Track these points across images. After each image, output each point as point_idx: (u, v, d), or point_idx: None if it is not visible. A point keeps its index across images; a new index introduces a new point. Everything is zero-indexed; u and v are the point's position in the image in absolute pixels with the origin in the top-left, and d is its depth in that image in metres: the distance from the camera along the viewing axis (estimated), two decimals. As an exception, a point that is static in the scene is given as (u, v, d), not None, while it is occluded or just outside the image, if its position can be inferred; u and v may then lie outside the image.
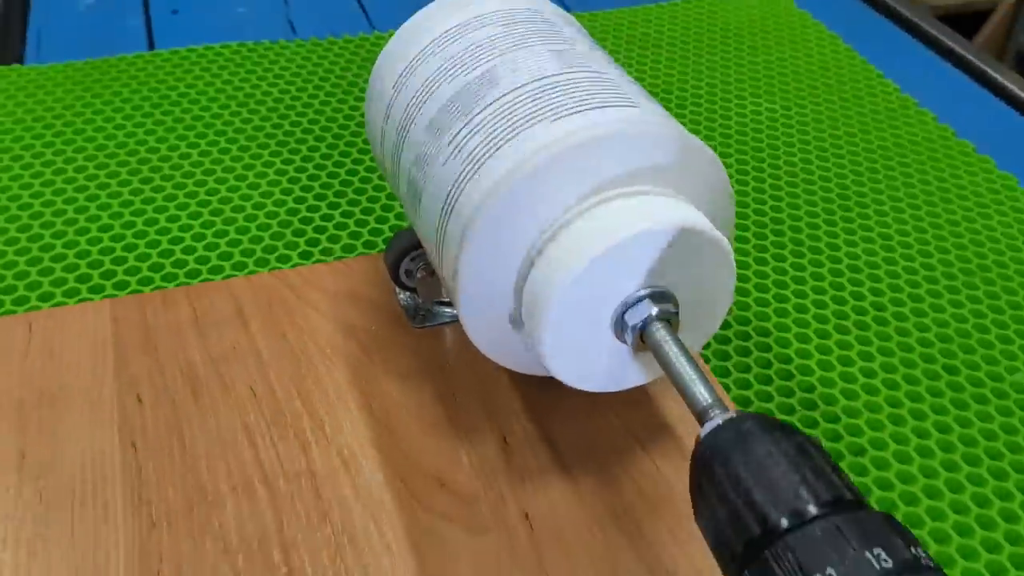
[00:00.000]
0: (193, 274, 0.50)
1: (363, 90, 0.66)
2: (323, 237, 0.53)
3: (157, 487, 0.37)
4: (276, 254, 0.51)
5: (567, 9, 0.76)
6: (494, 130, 0.34)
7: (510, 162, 0.33)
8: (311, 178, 0.57)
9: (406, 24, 0.41)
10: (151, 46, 0.71)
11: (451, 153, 0.35)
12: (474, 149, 0.34)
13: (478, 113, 0.35)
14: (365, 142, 0.61)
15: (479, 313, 0.35)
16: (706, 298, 0.34)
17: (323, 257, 0.51)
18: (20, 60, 0.69)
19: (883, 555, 0.22)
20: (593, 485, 0.38)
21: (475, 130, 0.35)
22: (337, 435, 0.40)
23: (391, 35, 0.71)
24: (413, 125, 0.38)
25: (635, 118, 0.34)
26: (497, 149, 0.34)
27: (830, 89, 0.69)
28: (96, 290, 0.48)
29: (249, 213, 0.54)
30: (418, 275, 0.45)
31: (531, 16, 0.40)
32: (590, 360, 0.34)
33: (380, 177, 0.58)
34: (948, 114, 0.67)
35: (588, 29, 0.60)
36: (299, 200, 0.55)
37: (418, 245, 0.44)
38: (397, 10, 0.77)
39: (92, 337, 0.43)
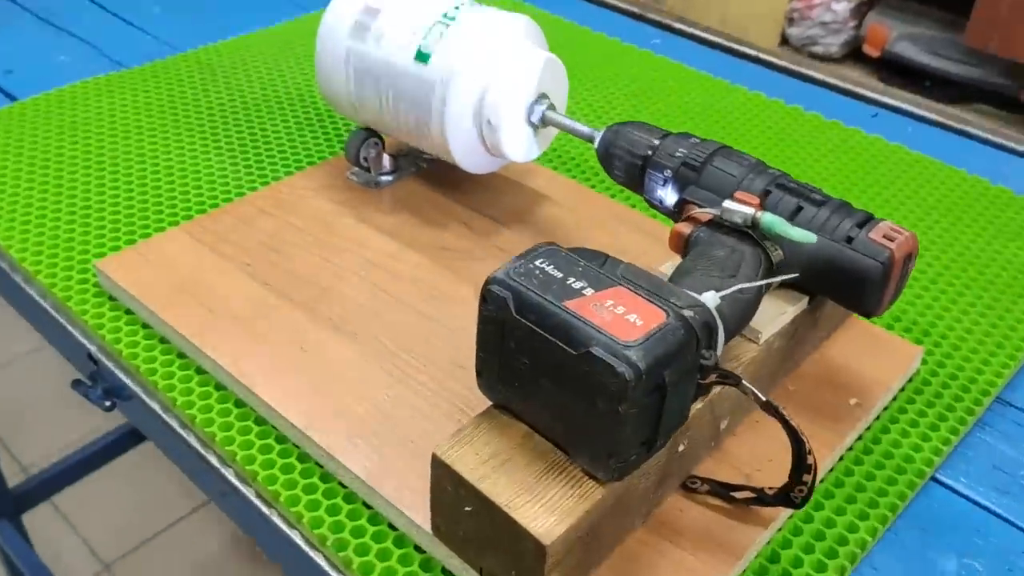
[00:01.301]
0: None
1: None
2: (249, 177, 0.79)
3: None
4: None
5: (304, 8, 1.05)
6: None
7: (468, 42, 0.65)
8: (221, 148, 0.83)
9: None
10: (11, 99, 0.90)
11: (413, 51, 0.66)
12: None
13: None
14: (248, 118, 0.86)
15: (457, 138, 0.66)
16: (559, 91, 0.69)
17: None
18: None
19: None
20: (526, 228, 0.71)
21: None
22: (367, 244, 0.68)
23: (202, 50, 0.96)
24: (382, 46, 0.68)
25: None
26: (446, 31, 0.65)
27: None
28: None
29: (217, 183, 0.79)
30: (371, 155, 0.74)
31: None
32: (519, 142, 0.67)
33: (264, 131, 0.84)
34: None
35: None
36: (221, 162, 0.81)
37: (368, 137, 0.73)
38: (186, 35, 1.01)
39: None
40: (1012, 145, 0.91)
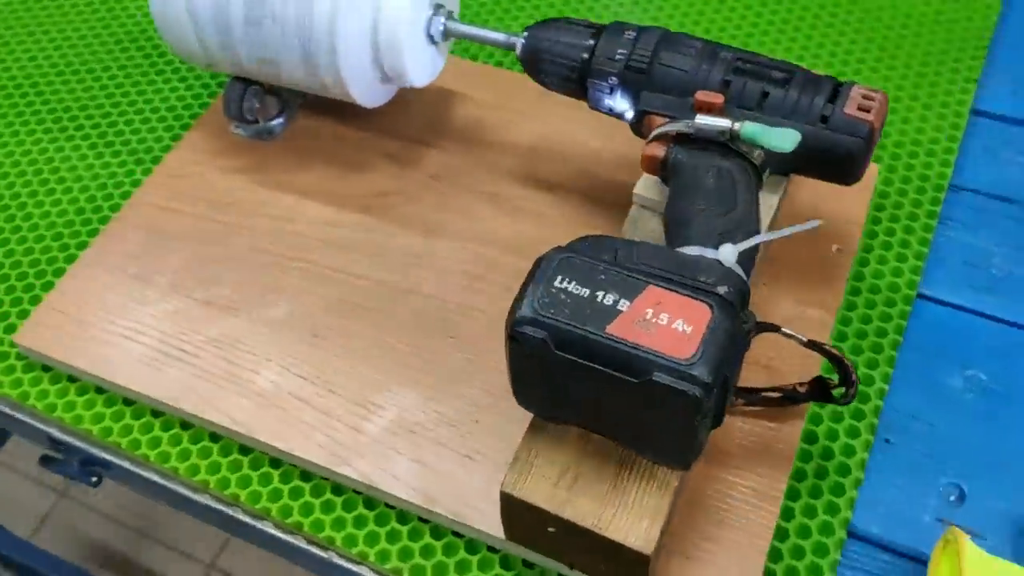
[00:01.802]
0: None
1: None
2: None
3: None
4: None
5: None
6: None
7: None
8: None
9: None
10: None
11: None
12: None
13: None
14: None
15: (352, 69, 0.58)
16: (451, -1, 0.61)
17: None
18: None
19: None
20: (454, 145, 0.66)
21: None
22: (296, 216, 0.63)
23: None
24: None
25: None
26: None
27: None
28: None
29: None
30: (255, 105, 0.65)
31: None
32: (422, 64, 0.60)
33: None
34: None
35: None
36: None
37: (248, 86, 0.64)
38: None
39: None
40: None
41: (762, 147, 0.49)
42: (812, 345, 0.45)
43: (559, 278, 0.42)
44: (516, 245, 0.61)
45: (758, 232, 0.47)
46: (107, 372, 0.57)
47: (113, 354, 0.57)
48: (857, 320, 0.58)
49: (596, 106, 0.56)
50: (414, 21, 0.58)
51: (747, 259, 0.46)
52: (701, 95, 0.51)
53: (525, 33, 0.57)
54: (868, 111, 0.50)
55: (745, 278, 0.44)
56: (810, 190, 0.61)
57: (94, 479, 0.59)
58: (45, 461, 0.61)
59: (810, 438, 0.53)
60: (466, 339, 0.57)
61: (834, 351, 0.45)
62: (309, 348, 0.57)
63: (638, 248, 0.44)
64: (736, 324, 0.41)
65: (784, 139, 0.47)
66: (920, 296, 0.60)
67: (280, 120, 0.68)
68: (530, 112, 0.67)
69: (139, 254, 0.62)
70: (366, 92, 0.61)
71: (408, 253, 0.61)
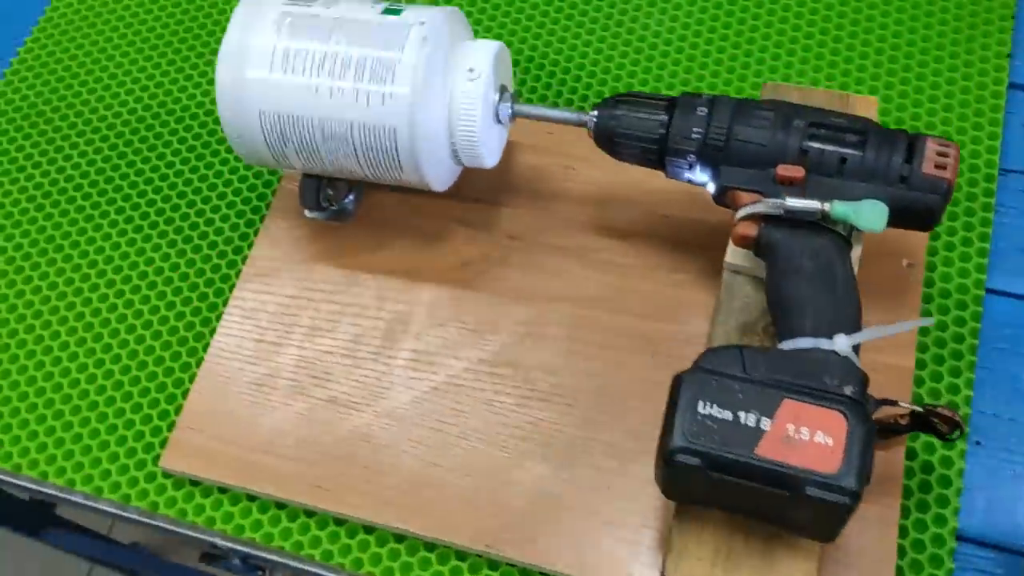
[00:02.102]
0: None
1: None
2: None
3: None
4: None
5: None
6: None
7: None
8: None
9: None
10: None
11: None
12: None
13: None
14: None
15: (432, 166, 0.61)
16: (508, 74, 0.62)
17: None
18: None
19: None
20: (523, 201, 0.68)
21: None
22: (385, 300, 0.66)
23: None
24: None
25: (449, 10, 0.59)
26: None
27: None
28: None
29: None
30: (330, 192, 0.68)
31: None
32: (494, 147, 0.62)
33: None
34: None
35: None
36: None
37: (320, 182, 0.66)
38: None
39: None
40: None
41: (853, 226, 0.52)
42: (929, 413, 0.50)
43: (701, 403, 0.47)
44: (609, 300, 0.64)
45: (860, 307, 0.51)
46: (255, 483, 0.61)
47: (255, 461, 0.62)
48: (934, 328, 0.62)
49: (675, 178, 0.58)
50: (485, 115, 0.60)
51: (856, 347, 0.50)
52: (782, 170, 0.54)
53: (595, 112, 0.59)
54: (944, 168, 0.53)
55: (859, 366, 0.49)
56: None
57: (259, 573, 0.65)
58: (207, 558, 0.67)
59: (910, 454, 0.59)
60: (582, 407, 0.61)
61: (949, 413, 0.50)
62: (436, 434, 0.62)
63: (762, 356, 0.48)
64: (868, 422, 0.46)
65: (875, 219, 0.51)
66: (989, 291, 0.64)
67: (351, 198, 0.70)
68: (589, 158, 0.69)
69: (253, 359, 0.65)
70: (443, 180, 0.63)
71: (509, 323, 0.64)
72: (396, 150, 0.59)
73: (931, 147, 0.53)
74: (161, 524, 0.64)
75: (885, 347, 0.54)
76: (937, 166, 0.53)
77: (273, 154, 0.62)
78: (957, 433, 0.52)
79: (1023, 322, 0.63)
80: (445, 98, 0.59)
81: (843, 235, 0.53)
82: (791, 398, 0.46)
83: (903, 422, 0.56)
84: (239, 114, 0.61)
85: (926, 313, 0.63)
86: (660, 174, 0.59)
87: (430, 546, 0.60)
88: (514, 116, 0.62)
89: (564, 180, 0.69)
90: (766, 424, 0.46)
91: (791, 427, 0.46)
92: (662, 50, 0.76)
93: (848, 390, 0.46)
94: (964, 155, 0.68)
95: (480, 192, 0.69)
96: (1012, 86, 0.71)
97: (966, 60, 0.72)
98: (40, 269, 0.72)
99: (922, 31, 0.73)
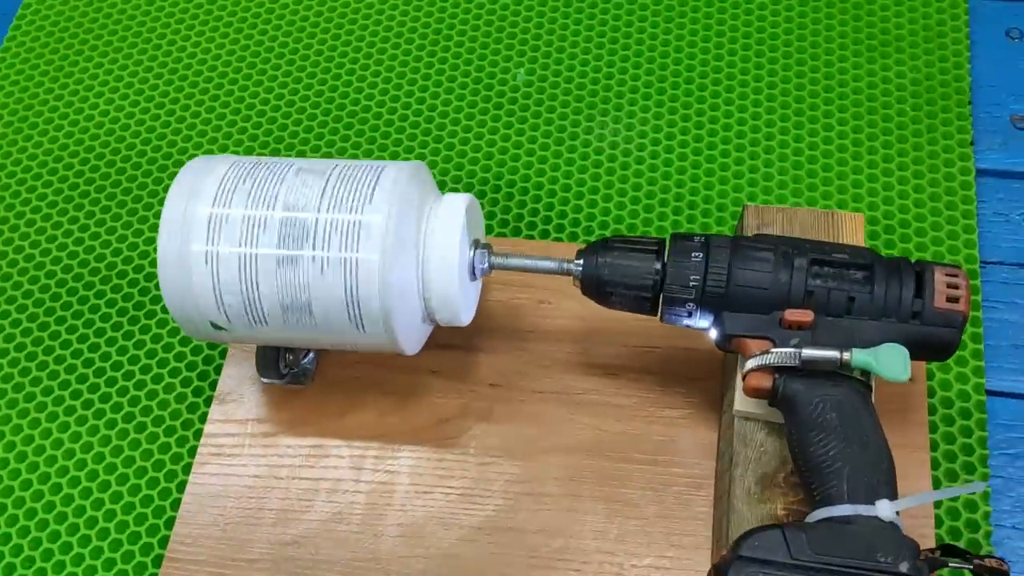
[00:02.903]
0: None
1: None
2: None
3: None
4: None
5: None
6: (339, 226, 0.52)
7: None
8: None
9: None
10: None
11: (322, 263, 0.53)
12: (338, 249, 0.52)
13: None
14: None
15: (404, 331, 0.55)
16: (479, 224, 0.58)
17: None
18: None
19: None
20: (491, 337, 0.64)
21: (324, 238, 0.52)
22: (362, 470, 0.60)
23: None
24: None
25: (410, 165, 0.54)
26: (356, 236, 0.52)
27: None
28: None
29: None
30: (290, 358, 0.62)
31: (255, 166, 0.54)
32: (470, 303, 0.58)
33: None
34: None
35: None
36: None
37: (279, 350, 0.60)
38: None
39: None
40: None
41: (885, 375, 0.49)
42: (979, 569, 0.47)
43: (756, 604, 0.42)
44: (604, 447, 0.60)
45: (892, 462, 0.48)
46: None
47: None
48: (943, 441, 0.60)
49: (671, 324, 0.55)
50: (462, 276, 0.55)
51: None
52: (790, 315, 0.51)
53: (580, 260, 0.55)
54: (957, 301, 0.50)
55: (904, 533, 0.45)
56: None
57: None
58: None
59: None
60: (591, 572, 0.56)
61: (997, 565, 0.47)
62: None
63: (806, 534, 0.44)
64: (930, 598, 0.43)
65: (898, 368, 0.48)
66: (989, 392, 0.62)
67: (311, 356, 0.64)
68: (564, 288, 0.65)
69: (219, 560, 0.59)
70: (416, 343, 0.58)
71: (501, 482, 0.59)
72: (361, 319, 0.54)
73: (940, 279, 0.51)
74: None
75: (909, 476, 0.51)
76: (949, 299, 0.50)
77: (226, 331, 0.56)
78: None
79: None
80: (416, 260, 0.54)
81: (863, 381, 0.50)
82: (848, 586, 0.43)
83: (936, 555, 0.53)
84: (184, 292, 0.55)
85: (932, 426, 0.60)
86: None
87: None
88: (491, 269, 0.57)
89: (539, 315, 0.65)
90: (829, 620, 0.42)
91: (856, 620, 0.42)
92: (634, 165, 0.72)
93: (904, 567, 0.43)
94: (943, 252, 0.66)
95: (450, 337, 0.64)
96: (979, 172, 0.70)
97: (930, 152, 0.70)
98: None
99: (890, 133, 0.72)
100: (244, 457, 0.62)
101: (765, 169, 0.71)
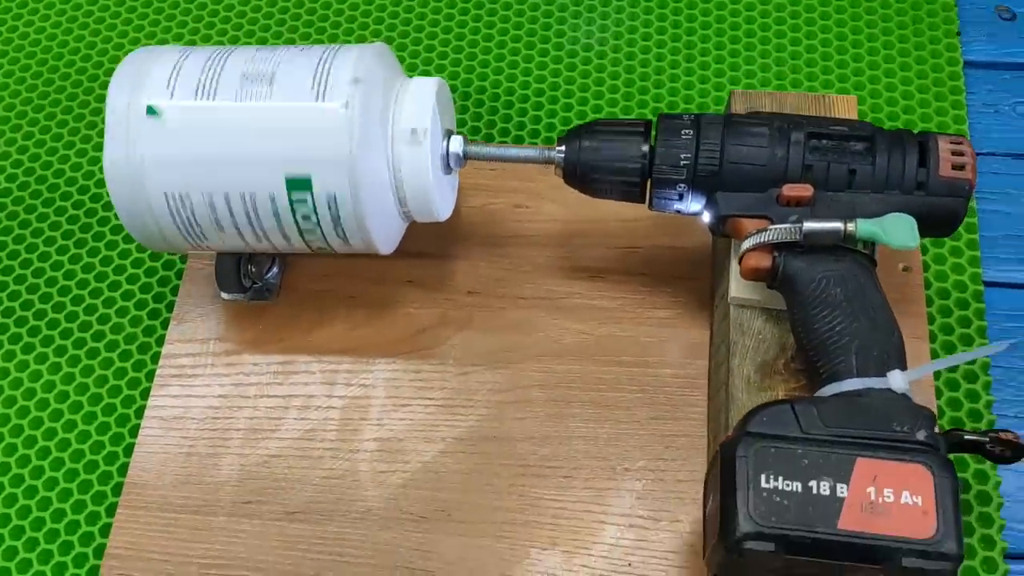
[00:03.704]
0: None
1: None
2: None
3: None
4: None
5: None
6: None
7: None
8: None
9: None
10: None
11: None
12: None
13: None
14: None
15: (379, 228, 0.52)
16: (449, 111, 0.54)
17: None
18: None
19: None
20: (470, 250, 0.60)
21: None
22: (346, 370, 0.57)
23: None
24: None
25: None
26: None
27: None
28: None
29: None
30: (251, 269, 0.58)
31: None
32: (447, 196, 0.54)
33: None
34: None
35: None
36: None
37: (240, 256, 0.56)
38: None
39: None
40: None
41: (880, 244, 0.46)
42: (994, 440, 0.44)
43: (763, 476, 0.40)
44: (591, 350, 0.57)
45: (900, 334, 0.46)
46: None
47: None
48: (941, 332, 0.58)
49: (661, 211, 0.51)
50: (435, 168, 0.51)
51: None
52: (788, 190, 0.48)
53: (561, 147, 0.51)
54: (963, 168, 0.48)
55: (924, 405, 0.43)
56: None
57: None
58: None
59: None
60: (582, 477, 0.53)
61: (1013, 438, 0.45)
62: (421, 534, 0.53)
63: (816, 406, 0.42)
64: (951, 469, 0.40)
65: (906, 235, 0.45)
66: (985, 284, 0.60)
67: (275, 271, 0.60)
68: (542, 191, 0.62)
69: (183, 479, 0.55)
70: (392, 241, 0.54)
71: (483, 392, 0.56)
72: (337, 216, 0.50)
73: (944, 147, 0.48)
74: None
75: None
76: (955, 167, 0.48)
77: (184, 237, 0.52)
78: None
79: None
80: (386, 152, 0.50)
81: (867, 255, 0.47)
82: (864, 456, 0.40)
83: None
84: (135, 196, 0.50)
85: (930, 318, 0.58)
86: (622, 203, 0.52)
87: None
88: (466, 159, 0.53)
89: (517, 220, 0.61)
90: (843, 490, 0.39)
91: (872, 490, 0.39)
92: (611, 64, 0.69)
93: (922, 435, 0.41)
94: (936, 143, 0.64)
95: (424, 245, 0.60)
96: (967, 64, 0.67)
97: (916, 43, 0.68)
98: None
99: (875, 25, 0.69)
100: (207, 377, 0.58)
101: (750, 55, 0.68)
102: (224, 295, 0.59)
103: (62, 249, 0.64)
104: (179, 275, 0.62)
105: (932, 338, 0.57)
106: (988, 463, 0.54)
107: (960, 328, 0.58)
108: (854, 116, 0.56)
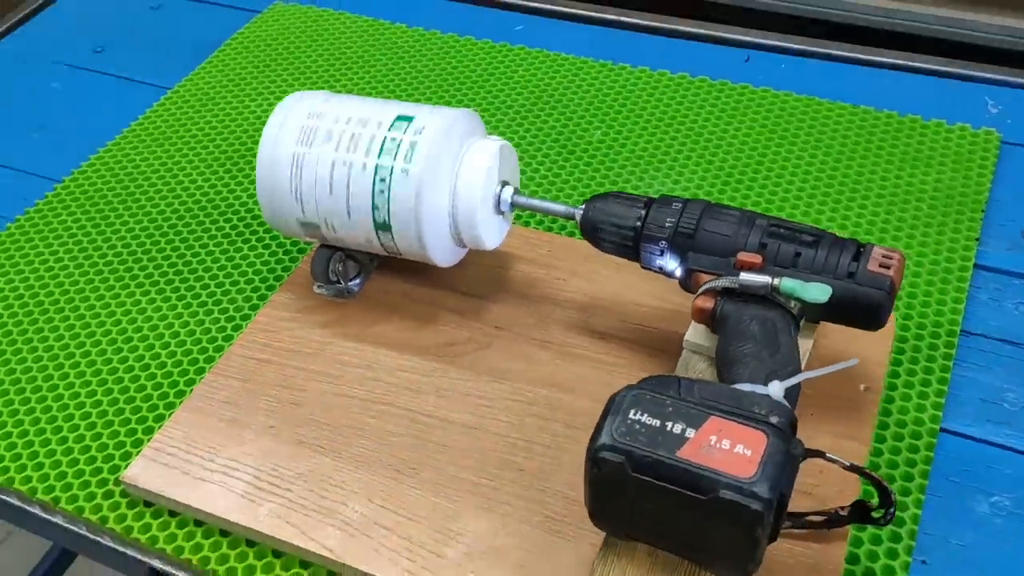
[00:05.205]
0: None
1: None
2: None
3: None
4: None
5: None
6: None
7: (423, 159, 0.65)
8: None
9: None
10: None
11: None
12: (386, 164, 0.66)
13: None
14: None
15: (436, 247, 0.67)
16: (514, 172, 0.71)
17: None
18: None
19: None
20: (508, 296, 0.74)
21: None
22: (374, 364, 0.70)
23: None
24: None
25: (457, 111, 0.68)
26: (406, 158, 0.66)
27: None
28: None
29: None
30: (339, 268, 0.74)
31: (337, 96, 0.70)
32: (493, 231, 0.69)
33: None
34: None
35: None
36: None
37: (336, 251, 0.73)
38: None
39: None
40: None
41: (799, 299, 0.56)
42: (853, 468, 0.51)
43: (632, 411, 0.49)
44: (575, 386, 0.67)
45: (797, 368, 0.54)
46: (206, 505, 0.63)
47: (212, 490, 0.63)
48: (888, 452, 0.64)
49: (647, 266, 0.64)
50: (485, 199, 0.67)
51: (792, 395, 0.52)
52: (743, 255, 0.59)
53: (583, 206, 0.66)
54: (888, 267, 0.58)
55: (792, 410, 0.51)
56: (838, 337, 0.68)
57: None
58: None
59: (852, 559, 0.59)
60: (532, 471, 0.63)
61: (873, 473, 0.52)
62: (391, 482, 0.63)
63: (698, 385, 0.51)
64: (788, 448, 0.48)
65: (819, 292, 0.55)
66: (944, 431, 0.66)
67: (357, 281, 0.76)
68: (580, 271, 0.75)
69: (235, 401, 0.69)
70: (445, 257, 0.70)
71: (477, 395, 0.68)
72: (408, 221, 0.66)
73: (877, 251, 0.59)
74: (89, 535, 0.65)
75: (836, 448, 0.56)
76: (881, 265, 0.58)
77: (299, 223, 0.70)
78: (891, 513, 0.53)
79: (976, 461, 0.64)
80: (451, 183, 0.67)
81: (792, 312, 0.57)
82: (717, 415, 0.48)
83: (843, 513, 0.57)
84: (272, 179, 0.70)
85: (878, 440, 0.64)
86: (640, 290, 0.64)
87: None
88: (513, 206, 0.69)
89: (553, 287, 0.75)
90: (690, 433, 0.48)
91: (713, 438, 0.47)
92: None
93: (774, 419, 0.49)
94: (928, 314, 0.72)
95: (475, 287, 0.75)
96: (979, 266, 0.76)
97: (938, 240, 0.78)
98: (78, 312, 0.78)
99: (900, 214, 0.81)
100: (286, 333, 0.73)
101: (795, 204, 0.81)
102: (315, 288, 0.75)
103: (218, 243, 0.83)
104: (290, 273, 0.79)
105: (878, 453, 0.64)
106: (896, 560, 0.58)
107: (908, 453, 0.64)
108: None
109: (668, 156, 0.89)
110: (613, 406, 0.50)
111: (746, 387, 0.52)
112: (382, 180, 0.66)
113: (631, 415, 0.49)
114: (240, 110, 0.99)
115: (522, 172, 0.89)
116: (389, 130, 0.67)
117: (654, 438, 0.48)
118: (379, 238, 0.69)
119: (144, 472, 0.65)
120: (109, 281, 0.81)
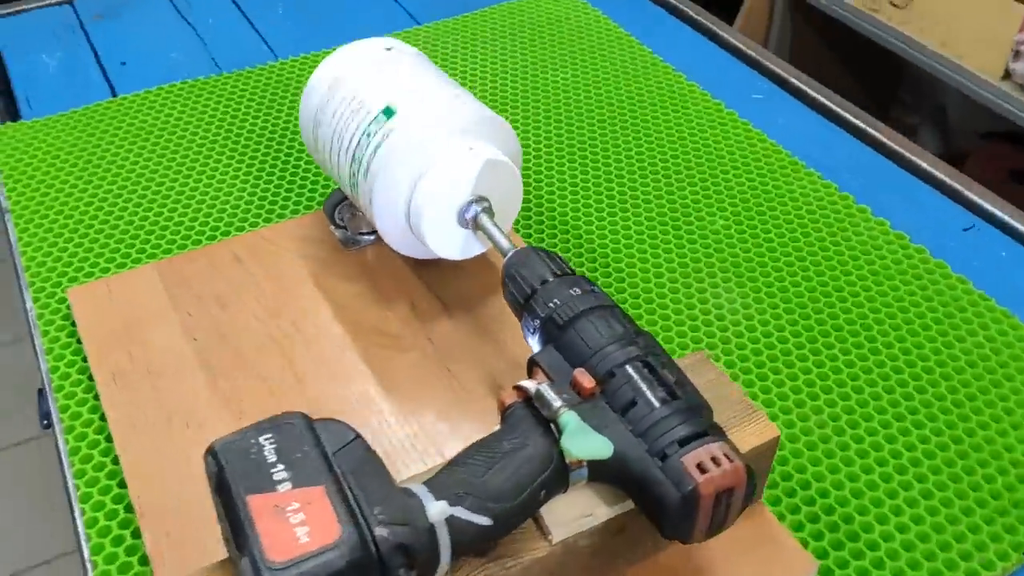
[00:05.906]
0: (198, 242, 0.77)
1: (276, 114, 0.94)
2: (278, 206, 0.81)
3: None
4: (251, 220, 0.80)
5: (416, 20, 1.05)
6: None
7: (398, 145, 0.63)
8: (262, 171, 0.85)
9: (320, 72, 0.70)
10: (113, 94, 0.97)
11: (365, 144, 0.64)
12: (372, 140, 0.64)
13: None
14: (290, 144, 0.88)
15: (389, 226, 0.64)
16: (507, 196, 0.64)
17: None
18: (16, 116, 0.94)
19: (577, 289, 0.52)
20: (467, 318, 0.68)
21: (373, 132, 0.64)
22: (309, 314, 0.69)
23: (292, 61, 0.99)
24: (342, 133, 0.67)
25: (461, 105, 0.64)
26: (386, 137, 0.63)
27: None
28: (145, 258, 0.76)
29: (226, 198, 0.82)
30: (347, 216, 0.74)
31: (392, 57, 0.69)
32: (448, 239, 0.64)
33: (303, 163, 0.86)
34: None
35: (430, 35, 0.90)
36: (257, 185, 0.83)
37: (344, 198, 0.73)
38: (295, 41, 1.04)
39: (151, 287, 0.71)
40: None
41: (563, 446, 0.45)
42: None
43: (266, 436, 0.44)
44: (420, 396, 0.61)
45: (515, 501, 0.44)
46: (90, 356, 0.67)
47: (105, 351, 0.68)
48: None
49: (524, 334, 0.55)
50: (448, 204, 0.63)
51: (465, 533, 0.43)
52: (579, 374, 0.49)
53: (516, 250, 0.58)
54: (704, 472, 0.44)
55: (442, 532, 0.42)
56: (718, 543, 0.54)
57: (44, 423, 0.69)
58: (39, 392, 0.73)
59: None
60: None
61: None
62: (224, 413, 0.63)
63: (365, 456, 0.44)
64: (359, 563, 0.39)
65: (581, 448, 0.44)
66: None
67: (370, 238, 0.75)
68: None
69: (190, 284, 0.72)
70: (401, 243, 0.68)
71: (352, 395, 0.64)
72: (367, 189, 0.65)
73: (710, 448, 0.45)
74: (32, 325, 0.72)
75: None
76: (699, 466, 0.44)
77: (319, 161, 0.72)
78: None
79: None
80: (417, 171, 0.63)
81: (563, 456, 0.46)
82: (330, 487, 0.41)
83: None
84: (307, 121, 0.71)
85: None
86: None
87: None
88: (477, 227, 0.63)
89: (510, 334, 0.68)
90: (284, 487, 0.41)
91: (295, 504, 0.41)
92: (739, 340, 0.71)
93: (380, 532, 0.40)
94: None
95: (449, 295, 0.70)
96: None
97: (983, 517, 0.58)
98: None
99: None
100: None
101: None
102: (330, 226, 0.76)
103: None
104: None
105: None
106: None
107: None
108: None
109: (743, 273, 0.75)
110: (265, 421, 0.44)
111: (419, 489, 0.43)
112: (352, 175, 0.67)
113: (261, 438, 0.43)
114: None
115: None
116: (370, 124, 0.65)
117: (251, 471, 0.42)
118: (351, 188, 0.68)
119: (84, 297, 0.71)
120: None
